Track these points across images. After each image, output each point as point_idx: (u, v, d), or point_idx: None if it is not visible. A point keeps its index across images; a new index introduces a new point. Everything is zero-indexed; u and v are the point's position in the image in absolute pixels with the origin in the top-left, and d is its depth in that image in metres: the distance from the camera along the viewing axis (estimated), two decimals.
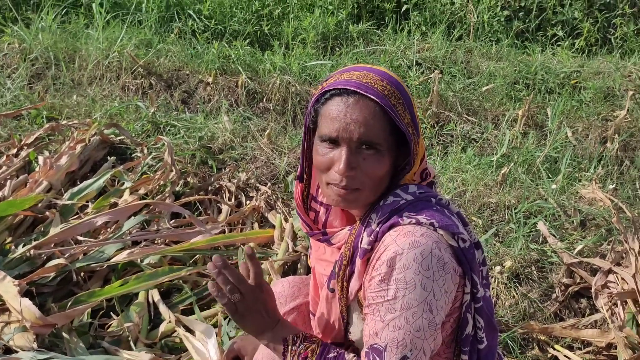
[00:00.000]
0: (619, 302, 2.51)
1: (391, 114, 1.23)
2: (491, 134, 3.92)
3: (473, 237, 1.35)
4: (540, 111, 4.13)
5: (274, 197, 3.25)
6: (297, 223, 2.83)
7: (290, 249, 2.65)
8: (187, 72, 4.69)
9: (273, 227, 2.99)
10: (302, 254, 2.66)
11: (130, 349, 2.14)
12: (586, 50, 5.07)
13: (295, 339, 1.35)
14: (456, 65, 4.60)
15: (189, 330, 2.23)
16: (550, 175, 3.47)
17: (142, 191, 3.11)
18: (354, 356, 1.35)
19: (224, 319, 2.36)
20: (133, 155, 3.57)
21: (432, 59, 4.68)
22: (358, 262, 1.30)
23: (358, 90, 1.22)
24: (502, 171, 3.36)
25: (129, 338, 2.17)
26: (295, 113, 4.22)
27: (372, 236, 1.28)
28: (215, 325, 2.32)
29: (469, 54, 4.86)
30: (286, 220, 2.96)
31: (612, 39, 5.12)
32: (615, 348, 2.41)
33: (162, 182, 3.19)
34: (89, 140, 3.47)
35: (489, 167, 3.52)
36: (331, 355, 1.32)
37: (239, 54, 4.73)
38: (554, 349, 2.46)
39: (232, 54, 4.71)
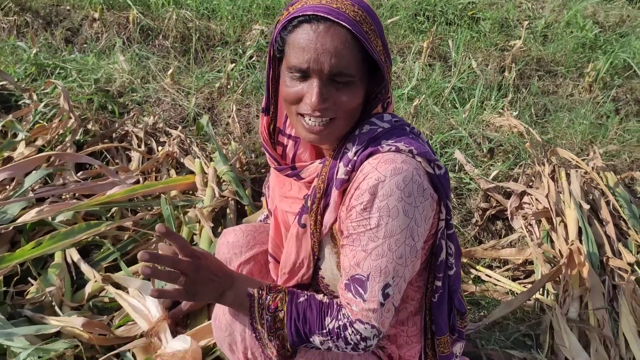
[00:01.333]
0: (534, 221, 2.68)
1: (364, 42, 1.15)
2: (399, 66, 3.94)
3: None
4: (443, 43, 4.20)
5: (188, 142, 3.06)
6: (220, 167, 2.70)
7: (217, 194, 2.53)
8: (68, 7, 4.23)
9: (190, 172, 2.84)
10: (229, 199, 2.55)
11: (56, 314, 1.96)
12: None
13: (260, 292, 1.28)
14: None
15: (118, 287, 2.08)
16: (458, 105, 3.57)
17: (39, 142, 2.80)
18: (324, 295, 1.32)
19: None
20: (20, 103, 3.19)
21: None
22: (334, 193, 1.25)
23: (329, 16, 1.12)
24: (414, 103, 3.40)
25: (53, 303, 1.98)
26: (197, 51, 3.96)
27: (349, 166, 1.22)
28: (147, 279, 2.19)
29: None
30: (206, 164, 2.81)
31: None
32: (531, 264, 2.59)
33: (60, 131, 2.89)
34: None
35: (401, 100, 3.55)
36: (301, 299, 1.28)
37: None
38: (476, 269, 2.59)
39: None
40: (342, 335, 1.22)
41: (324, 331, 1.23)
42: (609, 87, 3.97)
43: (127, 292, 2.02)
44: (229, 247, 1.63)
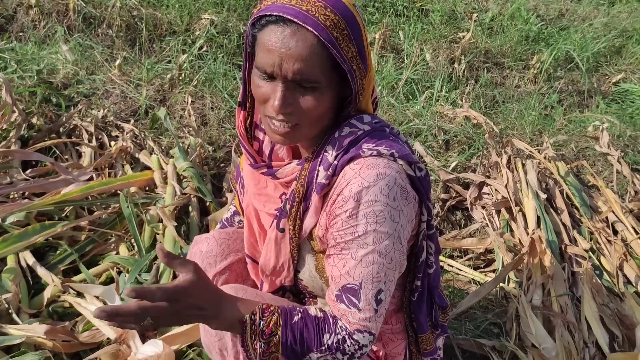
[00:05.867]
0: (493, 211, 2.74)
1: (331, 49, 1.09)
2: None
3: None
4: (394, 34, 4.22)
5: (142, 136, 2.94)
6: (180, 163, 2.61)
7: (178, 192, 2.44)
8: None
9: (146, 168, 2.73)
10: (191, 196, 2.47)
11: (13, 322, 1.84)
12: None
13: (253, 317, 1.17)
14: None
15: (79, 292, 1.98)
16: (416, 96, 3.60)
17: None
18: (316, 308, 1.28)
19: (118, 273, 2.13)
20: None
21: None
22: (315, 197, 1.22)
23: (295, 19, 1.07)
24: None
25: (10, 310, 1.86)
26: (144, 40, 3.81)
27: (330, 170, 1.19)
28: (107, 282, 2.10)
29: None
30: (164, 160, 2.70)
31: None
32: (491, 253, 2.64)
33: (3, 126, 2.71)
34: None
35: None
36: (296, 318, 1.20)
37: None
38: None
39: None
40: (341, 348, 1.19)
41: (323, 348, 1.19)
42: (553, 79, 4.12)
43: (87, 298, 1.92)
44: (203, 257, 1.55)
